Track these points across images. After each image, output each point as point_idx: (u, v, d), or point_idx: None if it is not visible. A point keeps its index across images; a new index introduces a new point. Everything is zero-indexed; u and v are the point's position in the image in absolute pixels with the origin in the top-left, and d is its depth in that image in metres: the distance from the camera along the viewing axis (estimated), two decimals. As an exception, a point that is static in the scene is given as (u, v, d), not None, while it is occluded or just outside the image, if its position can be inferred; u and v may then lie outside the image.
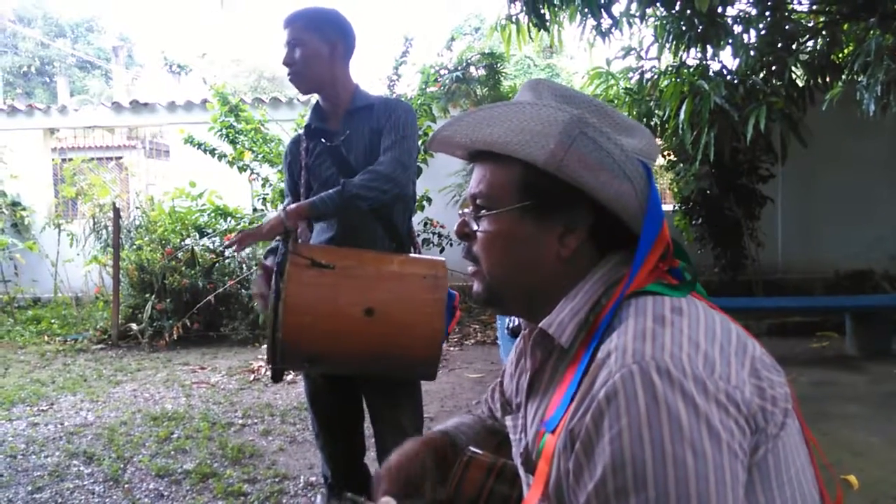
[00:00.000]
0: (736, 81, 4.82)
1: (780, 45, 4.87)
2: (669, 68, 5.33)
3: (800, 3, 5.56)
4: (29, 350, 6.73)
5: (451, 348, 6.30)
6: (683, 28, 4.83)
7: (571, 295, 0.90)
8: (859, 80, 4.23)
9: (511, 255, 0.94)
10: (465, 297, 6.68)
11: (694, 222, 7.36)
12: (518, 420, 1.02)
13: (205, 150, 7.17)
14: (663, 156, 7.24)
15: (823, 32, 5.17)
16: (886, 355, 5.40)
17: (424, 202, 7.08)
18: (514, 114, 0.90)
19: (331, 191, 1.97)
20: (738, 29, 4.98)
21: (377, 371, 2.03)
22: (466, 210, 1.00)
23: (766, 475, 0.75)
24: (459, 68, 8.09)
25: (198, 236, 7.33)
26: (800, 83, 5.11)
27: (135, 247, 7.27)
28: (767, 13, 4.99)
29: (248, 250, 7.28)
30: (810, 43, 5.30)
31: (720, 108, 4.54)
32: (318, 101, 2.24)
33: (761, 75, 4.83)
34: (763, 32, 4.99)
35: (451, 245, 7.46)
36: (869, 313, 5.54)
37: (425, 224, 7.49)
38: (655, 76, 5.52)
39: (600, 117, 0.91)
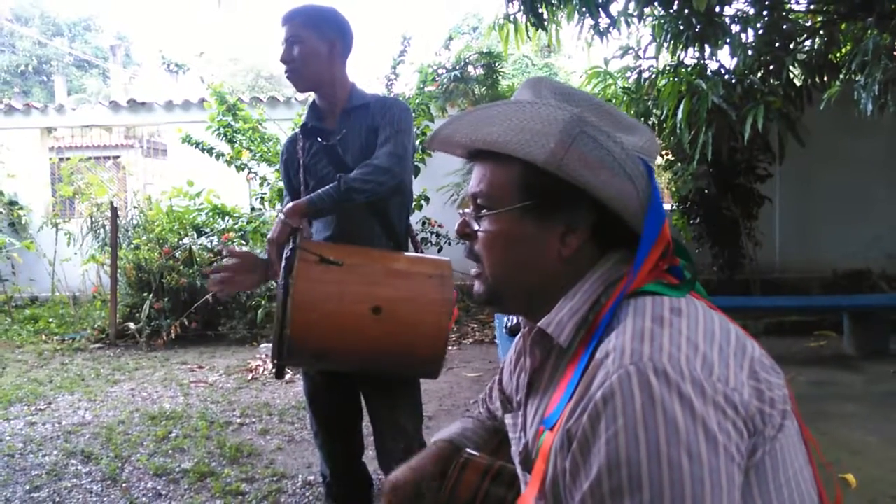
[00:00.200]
0: (734, 81, 4.82)
1: (777, 44, 4.87)
2: (667, 68, 5.33)
3: (797, 3, 5.57)
4: (26, 349, 6.73)
5: (449, 347, 6.28)
6: (681, 27, 4.83)
7: (570, 294, 0.90)
8: (857, 79, 4.23)
9: (512, 254, 0.93)
10: (463, 297, 6.67)
11: (692, 221, 7.37)
12: (518, 418, 1.02)
13: (202, 149, 7.16)
14: (661, 155, 7.24)
15: (821, 32, 5.18)
16: (884, 355, 5.41)
17: (422, 201, 7.08)
18: (514, 113, 0.90)
19: (328, 186, 1.96)
20: (735, 28, 4.98)
21: (382, 368, 2.03)
22: (467, 210, 1.00)
23: (764, 477, 0.75)
24: (457, 67, 8.09)
25: (195, 235, 7.32)
26: (797, 83, 5.12)
27: (132, 246, 7.26)
28: (765, 13, 4.99)
29: (245, 249, 7.27)
30: (808, 42, 5.30)
31: (718, 108, 4.54)
32: (314, 100, 2.24)
33: (759, 75, 4.83)
34: (761, 32, 4.99)
35: (450, 244, 7.45)
36: (866, 313, 5.54)
37: (423, 223, 7.49)
38: (653, 75, 5.52)
39: (601, 116, 0.91)
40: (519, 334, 1.11)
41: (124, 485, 3.38)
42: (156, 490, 3.31)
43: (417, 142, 6.45)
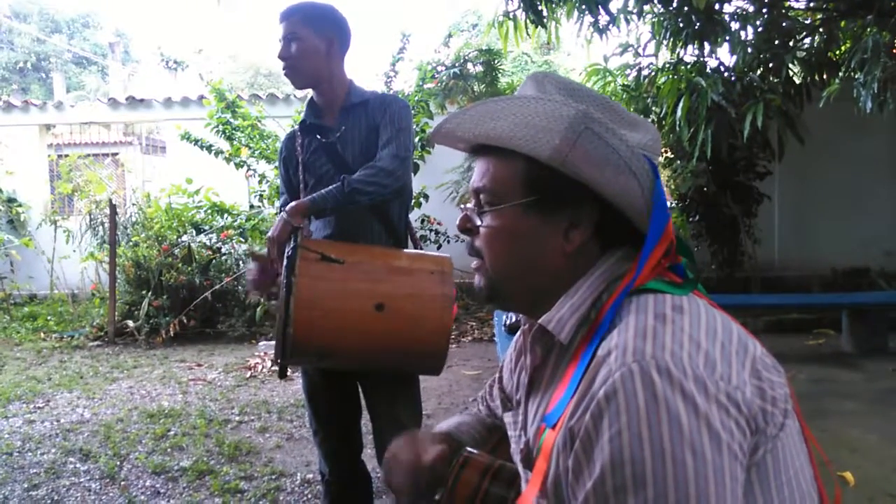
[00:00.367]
0: (733, 78, 4.82)
1: (777, 42, 4.87)
2: (667, 65, 5.33)
3: (797, 1, 5.57)
4: (25, 347, 6.72)
5: (449, 345, 6.27)
6: (681, 25, 4.83)
7: (572, 291, 0.90)
8: (856, 77, 4.23)
9: (515, 250, 0.93)
10: (462, 295, 6.67)
11: (691, 219, 7.37)
12: (518, 416, 1.02)
13: (201, 147, 7.14)
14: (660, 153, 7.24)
15: (820, 29, 5.18)
16: (883, 352, 5.42)
17: (421, 199, 7.07)
18: (519, 108, 0.89)
19: (331, 187, 1.96)
20: (735, 26, 4.98)
21: (386, 365, 2.03)
22: (469, 205, 1.00)
23: (765, 476, 0.75)
24: (457, 65, 8.08)
25: (194, 233, 7.32)
26: (797, 80, 5.12)
27: (131, 243, 7.25)
28: (765, 10, 5.00)
29: (243, 247, 7.28)
30: (807, 40, 5.30)
31: (717, 105, 4.54)
32: (312, 97, 2.23)
33: (758, 72, 4.84)
34: (760, 29, 4.99)
35: (449, 242, 7.45)
36: (865, 310, 5.55)
37: (422, 221, 7.49)
38: (653, 73, 5.52)
39: (605, 112, 0.90)
40: (519, 332, 1.10)
41: (123, 483, 3.37)
42: (154, 488, 3.31)
43: (416, 139, 6.45)
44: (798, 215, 8.06)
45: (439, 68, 8.01)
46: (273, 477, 3.40)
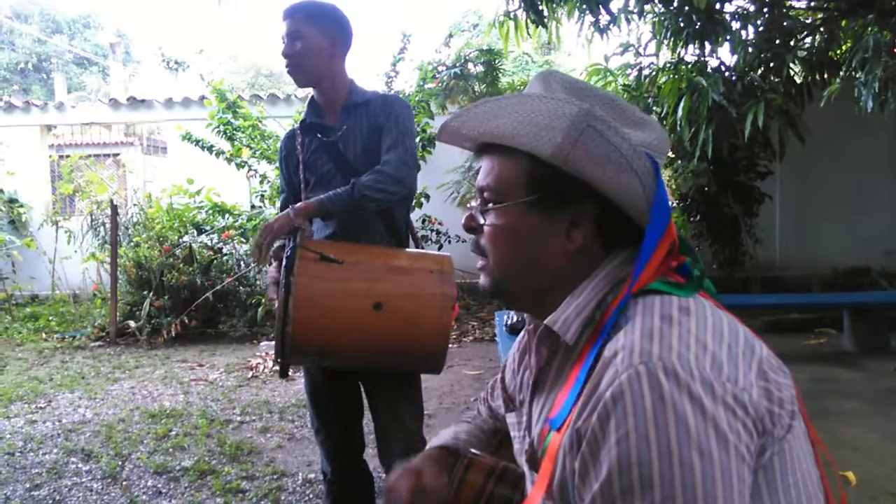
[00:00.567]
0: (734, 78, 4.82)
1: (778, 41, 4.87)
2: (667, 65, 5.33)
3: (798, 0, 5.57)
4: (27, 347, 6.73)
5: (450, 345, 6.27)
6: (682, 24, 4.83)
7: (577, 292, 0.89)
8: (857, 76, 4.22)
9: (517, 248, 0.93)
10: (463, 295, 6.66)
11: (692, 219, 7.37)
12: (522, 417, 1.02)
13: (202, 147, 7.15)
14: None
15: (821, 29, 5.18)
16: (884, 352, 5.41)
17: (422, 199, 7.07)
18: (522, 106, 0.89)
19: (339, 190, 1.97)
20: (736, 25, 4.98)
21: (385, 364, 2.03)
22: (474, 203, 1.00)
23: (772, 478, 0.74)
24: (457, 65, 8.08)
25: (196, 233, 7.32)
26: (798, 80, 5.12)
27: (132, 244, 7.26)
28: (765, 10, 4.99)
29: (245, 247, 7.29)
30: (808, 39, 5.30)
31: (718, 105, 4.54)
32: (313, 97, 2.23)
33: (759, 72, 4.83)
34: (761, 29, 4.99)
35: (450, 241, 7.45)
36: (866, 310, 5.54)
37: (423, 221, 7.49)
38: (653, 73, 5.51)
39: (611, 110, 0.90)
40: (523, 331, 1.10)
41: (125, 483, 3.38)
42: (156, 488, 3.31)
43: (417, 139, 6.45)
44: (799, 215, 8.06)
45: (440, 68, 8.02)
46: (275, 477, 3.40)
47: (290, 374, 2.06)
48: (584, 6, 4.70)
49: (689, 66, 5.02)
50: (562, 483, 0.80)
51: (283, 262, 1.88)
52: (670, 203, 7.32)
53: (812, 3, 5.47)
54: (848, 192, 7.84)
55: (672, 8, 4.81)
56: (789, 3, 5.38)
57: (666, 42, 5.06)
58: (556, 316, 0.89)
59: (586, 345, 0.85)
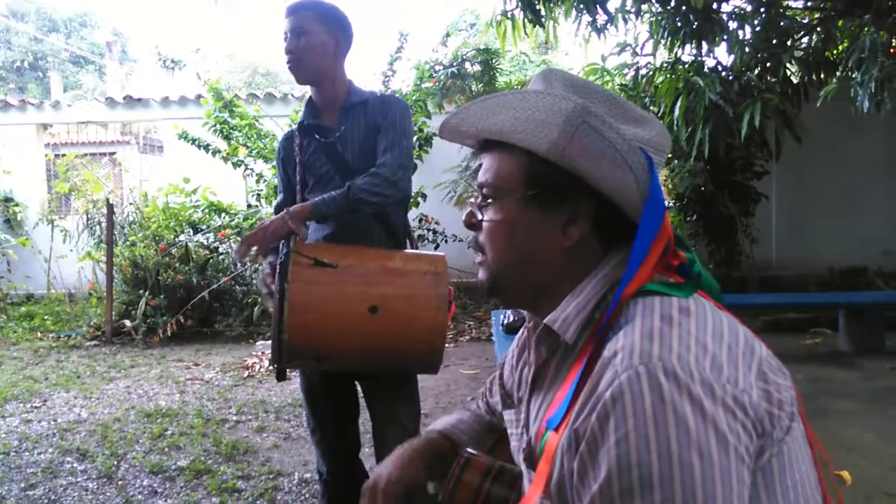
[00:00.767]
0: (731, 78, 4.82)
1: (774, 41, 4.88)
2: (664, 64, 5.33)
3: (794, 0, 5.57)
4: (22, 346, 6.71)
5: (446, 345, 6.27)
6: (678, 24, 4.83)
7: (577, 291, 0.89)
8: (854, 76, 4.23)
9: (514, 244, 0.93)
10: (460, 294, 6.65)
11: (688, 218, 7.37)
12: (520, 415, 1.01)
13: (199, 146, 7.14)
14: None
15: (818, 29, 5.19)
16: (880, 352, 5.42)
17: (419, 198, 7.07)
18: (520, 102, 0.90)
19: (335, 192, 1.96)
20: (733, 25, 4.98)
21: (382, 366, 2.03)
22: (473, 199, 1.00)
23: (770, 479, 0.74)
24: (454, 64, 8.07)
25: (192, 232, 7.31)
26: (794, 80, 5.13)
27: (128, 243, 7.24)
28: (762, 9, 5.00)
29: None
30: (805, 39, 5.31)
31: (715, 105, 4.54)
32: (310, 97, 2.23)
33: (756, 72, 4.84)
34: (758, 29, 5.00)
35: (446, 241, 7.45)
36: (862, 310, 5.55)
37: (420, 220, 7.48)
38: (650, 72, 5.52)
39: (608, 107, 0.90)
40: (523, 328, 1.10)
41: (120, 482, 3.37)
42: (152, 487, 3.31)
43: (414, 139, 6.45)
44: (795, 215, 8.07)
45: (437, 67, 8.01)
46: (270, 476, 3.40)
47: (287, 376, 2.06)
48: (582, 6, 4.71)
49: (686, 65, 5.03)
50: (560, 483, 0.79)
51: (278, 268, 1.87)
52: (667, 203, 7.40)
53: (809, 4, 5.48)
54: (844, 192, 7.85)
55: (669, 7, 4.82)
56: (786, 3, 5.38)
57: (663, 42, 5.07)
58: (555, 315, 0.89)
59: (585, 344, 0.85)
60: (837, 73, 4.94)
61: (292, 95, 9.39)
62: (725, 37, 4.87)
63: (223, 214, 7.28)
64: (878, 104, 4.10)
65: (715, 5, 4.78)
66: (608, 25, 4.97)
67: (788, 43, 4.98)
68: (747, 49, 4.86)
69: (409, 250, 2.25)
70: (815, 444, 0.85)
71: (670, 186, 7.44)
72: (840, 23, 5.08)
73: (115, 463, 3.60)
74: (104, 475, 3.45)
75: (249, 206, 7.50)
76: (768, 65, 4.86)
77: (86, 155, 9.89)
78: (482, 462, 1.07)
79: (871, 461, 3.31)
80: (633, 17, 5.18)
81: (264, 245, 1.92)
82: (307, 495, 3.19)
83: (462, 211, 1.02)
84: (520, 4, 4.83)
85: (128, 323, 6.84)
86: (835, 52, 5.25)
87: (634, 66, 5.65)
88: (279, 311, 1.81)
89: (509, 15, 5.10)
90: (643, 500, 0.68)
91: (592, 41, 5.16)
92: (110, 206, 7.25)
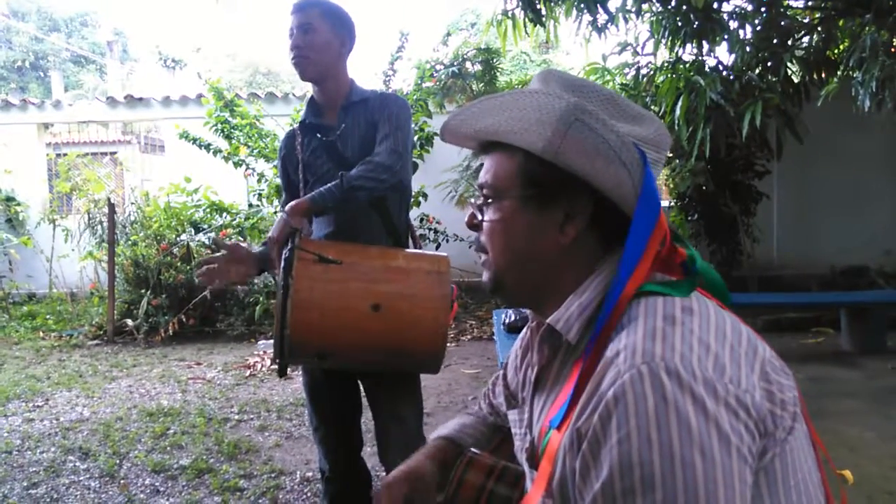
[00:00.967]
0: (732, 77, 4.81)
1: (775, 40, 4.87)
2: (665, 64, 5.33)
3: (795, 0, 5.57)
4: (24, 346, 6.72)
5: (448, 344, 6.27)
6: (679, 24, 4.82)
7: (580, 291, 0.90)
8: (855, 76, 4.23)
9: (513, 243, 0.94)
10: (462, 293, 6.65)
11: (689, 218, 7.37)
12: (524, 414, 1.02)
13: (200, 146, 7.15)
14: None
15: (819, 28, 5.18)
16: (881, 351, 5.42)
17: (420, 198, 7.07)
18: (516, 102, 0.91)
19: (329, 184, 1.97)
20: (733, 25, 4.97)
21: (383, 365, 2.04)
22: (473, 200, 1.01)
23: (773, 479, 0.74)
24: (455, 63, 8.08)
25: (193, 232, 7.32)
26: (795, 79, 5.12)
27: (130, 242, 7.25)
28: (763, 9, 4.99)
29: (243, 245, 7.27)
30: (806, 39, 5.30)
31: (716, 104, 4.54)
32: (312, 97, 2.24)
33: (757, 71, 4.83)
34: (759, 28, 4.99)
35: (447, 241, 7.45)
36: (864, 309, 5.55)
37: (421, 220, 7.49)
38: (651, 72, 5.51)
39: (605, 105, 0.91)
40: (526, 328, 1.10)
41: (122, 481, 3.38)
42: (154, 486, 3.31)
43: (415, 138, 6.45)
44: (797, 214, 8.07)
45: (438, 67, 8.01)
46: (272, 475, 3.40)
47: (288, 373, 2.06)
48: (582, 5, 4.71)
49: (687, 65, 5.02)
50: (562, 482, 0.79)
51: (282, 264, 1.87)
52: (668, 203, 7.32)
53: (810, 3, 5.48)
54: (845, 192, 7.85)
55: (670, 7, 4.81)
56: (787, 2, 5.38)
57: (664, 41, 5.06)
58: (558, 314, 0.90)
59: (588, 344, 0.85)
60: (838, 73, 4.94)
61: (293, 95, 9.40)
62: (726, 36, 4.86)
63: (224, 214, 7.29)
64: (879, 104, 4.09)
65: (716, 5, 4.77)
66: (609, 25, 4.97)
67: (789, 42, 4.97)
68: (748, 48, 4.85)
69: (412, 249, 2.26)
70: (817, 445, 0.85)
71: (671, 186, 7.43)
72: (841, 22, 5.07)
73: (118, 462, 3.61)
74: (106, 474, 3.46)
75: (251, 205, 7.50)
76: (769, 64, 4.85)
77: (87, 154, 9.89)
78: (485, 462, 1.08)
79: (873, 460, 3.32)
80: (633, 16, 5.18)
81: (281, 252, 1.92)
82: (309, 494, 3.20)
83: (463, 210, 1.02)
84: (520, 4, 4.83)
85: (130, 322, 6.85)
86: (836, 51, 5.25)
87: (635, 66, 5.65)
88: (282, 308, 1.81)
89: (510, 14, 5.10)
90: (645, 499, 0.68)
91: (593, 41, 5.17)
92: (111, 206, 7.26)
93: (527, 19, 4.94)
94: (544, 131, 0.86)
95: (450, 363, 5.50)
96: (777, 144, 5.01)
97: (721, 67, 5.04)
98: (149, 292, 6.86)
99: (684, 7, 4.63)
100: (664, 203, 8.04)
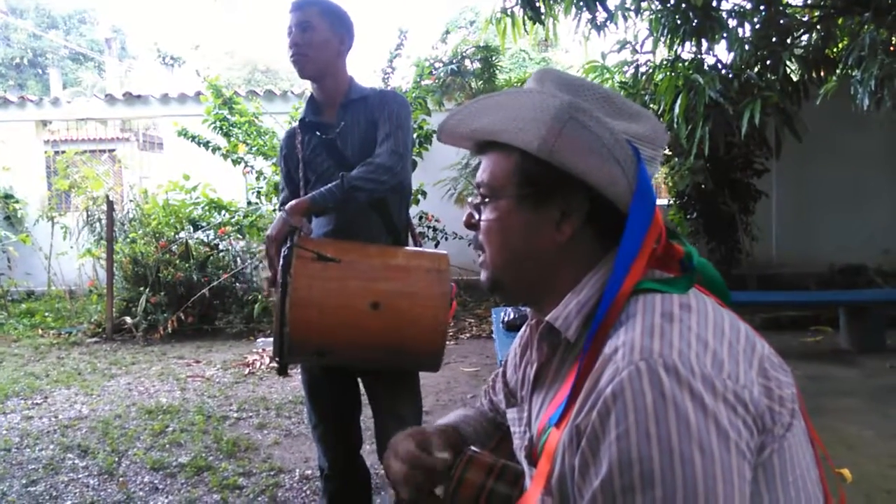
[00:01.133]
0: (731, 75, 4.82)
1: (774, 39, 4.87)
2: (664, 62, 5.33)
3: (794, -2, 5.57)
4: (23, 343, 6.71)
5: (447, 342, 6.26)
6: (678, 22, 4.82)
7: (578, 288, 0.90)
8: (853, 74, 4.23)
9: (510, 241, 0.94)
10: (461, 292, 6.65)
11: (688, 216, 7.38)
12: (523, 413, 1.02)
13: (198, 143, 7.15)
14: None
15: (818, 27, 5.18)
16: (880, 350, 5.43)
17: (419, 196, 7.07)
18: (511, 102, 0.91)
19: (330, 184, 1.97)
20: (732, 23, 4.98)
21: (383, 363, 2.04)
22: (471, 199, 1.01)
23: (772, 476, 0.75)
24: (454, 61, 8.08)
25: (192, 229, 7.32)
26: (794, 77, 5.12)
27: (129, 240, 7.25)
28: (762, 7, 4.99)
29: (241, 244, 7.28)
30: (805, 37, 5.30)
31: (715, 103, 4.54)
32: (311, 95, 2.24)
33: (756, 69, 4.83)
34: (758, 26, 4.99)
35: (447, 239, 7.45)
36: (863, 308, 5.56)
37: (420, 218, 7.49)
38: (650, 70, 5.51)
39: (601, 103, 0.91)
40: (525, 326, 1.10)
41: (121, 479, 3.38)
42: (153, 484, 3.31)
43: (414, 136, 6.45)
44: (796, 212, 8.07)
45: (437, 65, 8.01)
46: (271, 473, 3.40)
47: (288, 372, 2.07)
48: (582, 3, 4.71)
49: (686, 63, 5.02)
50: (561, 479, 0.80)
51: (280, 262, 1.88)
52: (666, 201, 7.32)
53: (809, 1, 5.48)
54: (844, 190, 7.86)
55: (669, 5, 4.81)
56: (786, 0, 5.38)
57: (663, 39, 5.06)
58: (556, 312, 0.90)
59: (586, 341, 0.85)
60: (837, 71, 4.93)
61: (292, 93, 9.39)
62: (725, 34, 4.86)
63: (223, 211, 7.29)
64: (878, 102, 4.10)
65: (715, 3, 4.77)
66: (608, 23, 4.97)
67: (788, 41, 4.97)
68: (747, 47, 4.85)
69: (411, 247, 2.26)
70: (815, 442, 0.85)
71: (670, 184, 7.44)
72: (840, 20, 5.08)
73: (116, 459, 3.61)
74: (105, 472, 3.46)
75: (249, 203, 7.51)
76: (768, 62, 4.85)
77: (85, 152, 9.90)
78: (485, 460, 1.08)
79: (871, 459, 3.32)
80: (632, 14, 5.18)
81: (279, 250, 1.92)
82: (308, 492, 3.20)
83: (462, 209, 1.02)
84: (519, 2, 4.83)
85: (128, 320, 6.84)
86: (835, 49, 5.25)
87: (634, 64, 5.65)
88: (281, 305, 1.81)
89: (509, 12, 5.10)
90: (644, 495, 0.69)
91: (592, 38, 5.16)
92: (110, 203, 7.26)
93: (526, 17, 4.94)
94: (539, 130, 0.86)
95: (449, 361, 5.51)
96: (776, 143, 5.02)
97: (720, 65, 5.04)
98: (147, 290, 6.85)
99: (683, 5, 4.63)
100: (663, 201, 8.05)
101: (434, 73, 7.90)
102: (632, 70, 5.67)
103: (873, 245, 7.61)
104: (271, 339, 2.04)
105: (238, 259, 7.32)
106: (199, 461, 3.53)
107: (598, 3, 4.70)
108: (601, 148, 0.86)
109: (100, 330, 6.94)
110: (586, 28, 5.01)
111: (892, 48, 4.17)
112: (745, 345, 0.78)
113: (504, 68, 9.54)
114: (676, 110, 4.68)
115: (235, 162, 7.10)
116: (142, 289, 6.91)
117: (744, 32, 4.99)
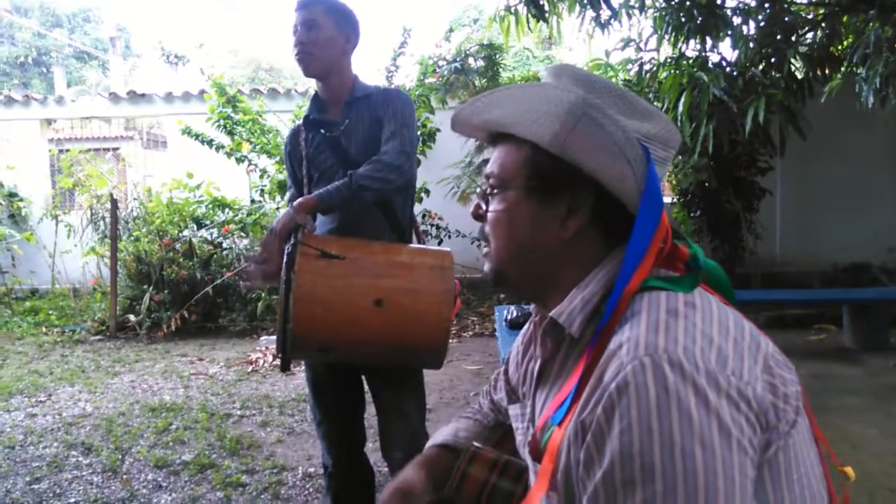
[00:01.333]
0: (735, 73, 4.80)
1: (779, 36, 4.86)
2: (668, 60, 5.32)
3: (799, -5, 5.55)
4: (27, 341, 6.73)
5: (450, 340, 6.26)
6: (683, 19, 4.81)
7: (582, 285, 0.90)
8: (858, 72, 4.22)
9: (515, 234, 0.94)
10: (464, 289, 6.65)
11: (692, 215, 7.36)
12: (525, 409, 1.02)
13: (202, 141, 7.15)
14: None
15: (823, 24, 5.16)
16: (884, 348, 5.41)
17: (423, 194, 7.07)
18: (526, 94, 0.92)
19: (338, 182, 1.97)
20: (737, 20, 4.96)
21: (386, 360, 2.04)
22: (480, 190, 1.01)
23: (777, 473, 0.75)
24: (458, 59, 8.07)
25: (195, 227, 7.33)
26: (799, 75, 5.10)
27: (132, 238, 7.26)
28: (767, 5, 4.98)
29: (245, 241, 7.29)
30: (810, 35, 5.28)
31: (719, 100, 4.53)
32: (316, 93, 2.25)
33: (760, 67, 4.82)
34: (762, 24, 4.98)
35: (450, 236, 7.45)
36: (866, 306, 5.54)
37: (423, 216, 7.48)
38: (654, 68, 5.50)
39: (615, 101, 0.90)
40: (528, 322, 1.10)
41: (125, 476, 3.38)
42: (156, 482, 3.32)
43: (417, 134, 6.44)
44: (800, 211, 8.05)
45: (440, 63, 8.01)
46: (275, 471, 3.41)
47: (291, 368, 2.07)
48: (586, 1, 4.69)
49: (690, 61, 5.01)
50: (566, 474, 0.80)
51: (284, 259, 1.88)
52: (671, 199, 7.31)
53: (813, -1, 5.46)
54: (849, 188, 7.84)
55: (673, 3, 4.80)
56: (790, -2, 5.36)
57: (667, 37, 5.05)
58: (561, 308, 0.90)
59: (591, 337, 0.85)
60: (842, 69, 4.93)
61: (296, 91, 9.39)
62: (730, 32, 4.85)
63: (227, 210, 7.29)
64: (883, 100, 4.09)
65: (719, 0, 4.76)
66: (612, 20, 4.95)
67: (793, 38, 4.96)
68: (752, 44, 4.84)
69: (415, 245, 2.26)
70: (819, 439, 0.85)
71: (674, 182, 7.43)
72: (845, 18, 5.06)
73: (120, 457, 3.62)
74: (109, 469, 3.47)
75: (253, 201, 7.51)
76: (773, 60, 4.84)
77: (89, 150, 9.91)
78: (488, 456, 1.08)
79: (874, 457, 3.32)
80: (636, 12, 5.16)
81: (281, 246, 1.93)
82: (311, 490, 3.20)
83: (465, 207, 1.02)
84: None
85: (132, 318, 6.86)
86: (839, 47, 5.23)
87: (638, 62, 5.63)
88: (285, 302, 1.82)
89: (513, 10, 5.09)
90: (644, 489, 0.69)
91: (596, 36, 5.16)
92: (114, 202, 7.27)
93: (530, 15, 4.93)
94: (552, 124, 0.86)
95: (452, 359, 5.51)
96: (780, 141, 5.00)
97: (724, 63, 5.02)
98: (151, 288, 6.86)
99: (688, 3, 4.62)
100: (667, 199, 8.03)
101: (437, 71, 7.89)
102: (636, 68, 5.66)
103: (877, 243, 7.59)
104: (274, 337, 2.05)
105: (241, 257, 7.32)
106: (202, 459, 3.54)
107: (602, 1, 4.69)
108: (613, 146, 0.86)
109: (103, 328, 6.96)
110: (590, 26, 5.01)
111: (896, 46, 4.16)
112: (750, 342, 0.78)
113: (507, 66, 9.54)
114: (680, 108, 4.67)
115: (239, 160, 7.10)
116: (145, 287, 6.92)
117: (748, 30, 4.98)
